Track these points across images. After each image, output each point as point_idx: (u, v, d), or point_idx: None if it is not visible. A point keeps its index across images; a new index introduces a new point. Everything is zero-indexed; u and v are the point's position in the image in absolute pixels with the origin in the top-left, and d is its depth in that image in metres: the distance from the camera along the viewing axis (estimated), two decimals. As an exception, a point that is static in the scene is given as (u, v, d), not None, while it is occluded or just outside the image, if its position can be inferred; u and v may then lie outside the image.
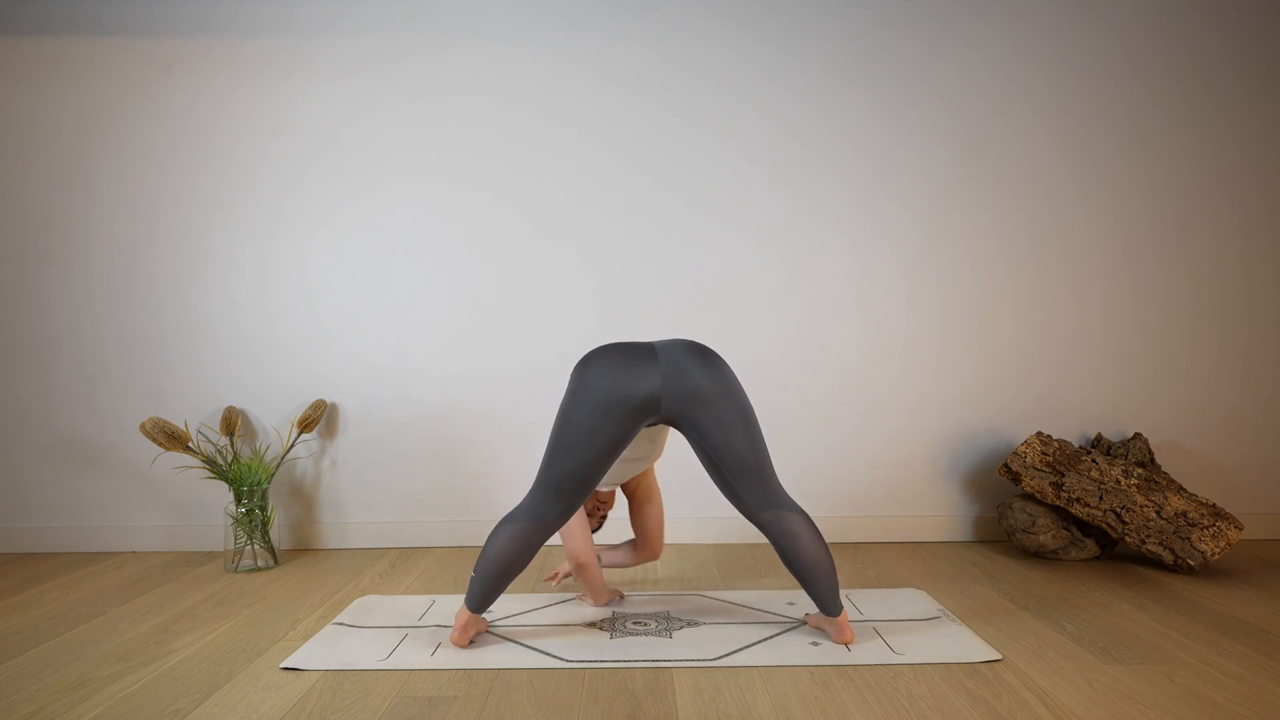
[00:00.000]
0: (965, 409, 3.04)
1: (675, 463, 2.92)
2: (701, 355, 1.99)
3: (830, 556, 1.97)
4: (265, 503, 2.83)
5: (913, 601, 2.29)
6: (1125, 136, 3.02)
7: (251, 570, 2.76)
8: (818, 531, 1.98)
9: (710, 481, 2.79)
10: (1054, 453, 2.77)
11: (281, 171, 3.02)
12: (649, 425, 2.03)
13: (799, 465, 3.01)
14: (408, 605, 2.32)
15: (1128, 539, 2.61)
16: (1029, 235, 3.03)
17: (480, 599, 1.97)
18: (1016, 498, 2.84)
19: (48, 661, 1.95)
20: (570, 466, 1.92)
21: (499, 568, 1.94)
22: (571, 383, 1.98)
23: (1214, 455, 3.04)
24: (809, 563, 1.95)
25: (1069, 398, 3.04)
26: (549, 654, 1.93)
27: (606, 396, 1.91)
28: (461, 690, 1.75)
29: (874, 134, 3.02)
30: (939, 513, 3.05)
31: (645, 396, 1.93)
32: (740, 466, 1.96)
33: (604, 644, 1.99)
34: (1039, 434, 2.82)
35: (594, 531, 2.37)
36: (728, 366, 2.02)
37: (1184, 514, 2.57)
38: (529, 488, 2.00)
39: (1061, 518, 2.75)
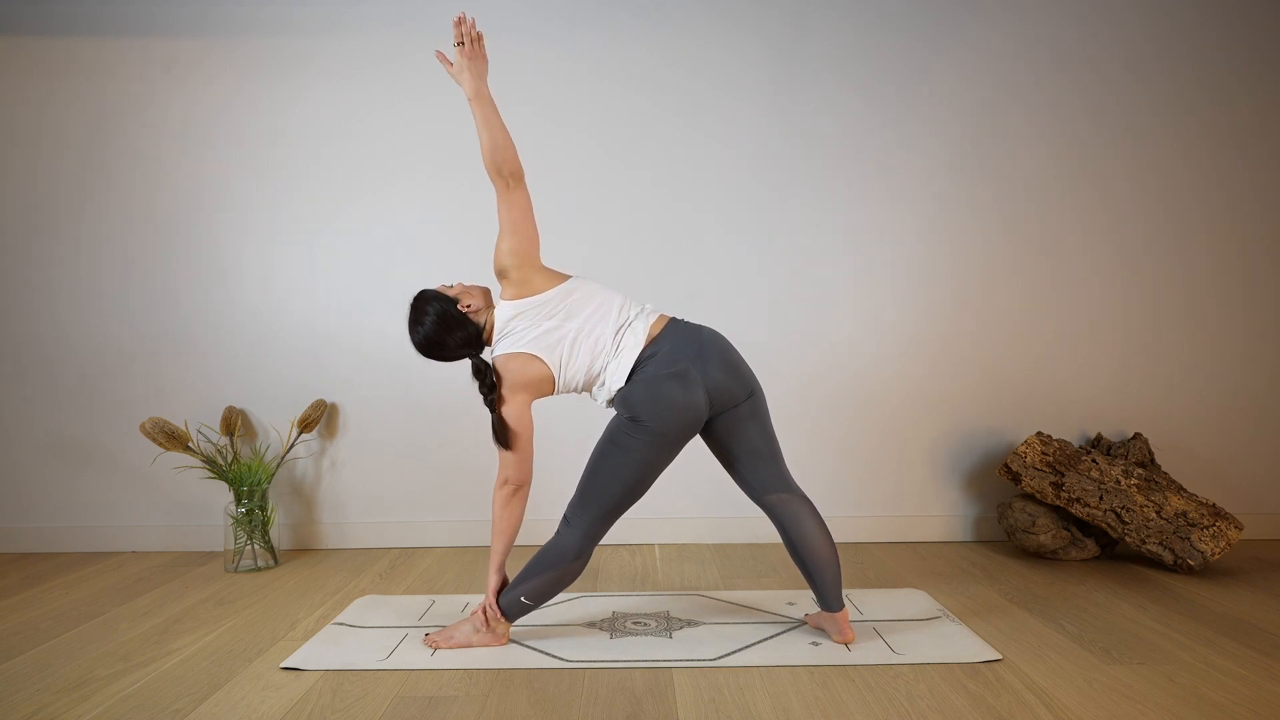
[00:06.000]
0: (965, 409, 3.04)
1: (678, 462, 2.91)
2: (726, 365, 1.95)
3: (835, 550, 1.98)
4: (265, 503, 2.83)
5: (913, 601, 2.29)
6: (1126, 138, 3.02)
7: (251, 570, 2.76)
8: (824, 523, 1.99)
9: (710, 483, 2.78)
10: (1054, 453, 2.77)
11: (282, 171, 3.02)
12: None
13: (799, 465, 2.99)
14: (408, 605, 2.32)
15: (1128, 539, 2.60)
16: (1029, 236, 3.02)
17: (525, 613, 2.02)
18: (1016, 498, 2.83)
19: (48, 661, 1.96)
20: (629, 496, 1.95)
21: (558, 589, 1.99)
22: (634, 427, 1.91)
23: (1214, 455, 3.04)
24: (814, 549, 1.96)
25: (1069, 398, 3.03)
26: (549, 654, 1.93)
27: (676, 436, 1.92)
28: (461, 690, 1.75)
29: (874, 134, 3.02)
30: (939, 513, 3.05)
31: (700, 421, 1.94)
32: (755, 452, 1.99)
33: (604, 644, 1.99)
34: (1039, 434, 2.82)
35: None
36: (738, 354, 2.00)
37: (1184, 514, 2.56)
38: (571, 515, 1.97)
39: (1061, 518, 2.75)
